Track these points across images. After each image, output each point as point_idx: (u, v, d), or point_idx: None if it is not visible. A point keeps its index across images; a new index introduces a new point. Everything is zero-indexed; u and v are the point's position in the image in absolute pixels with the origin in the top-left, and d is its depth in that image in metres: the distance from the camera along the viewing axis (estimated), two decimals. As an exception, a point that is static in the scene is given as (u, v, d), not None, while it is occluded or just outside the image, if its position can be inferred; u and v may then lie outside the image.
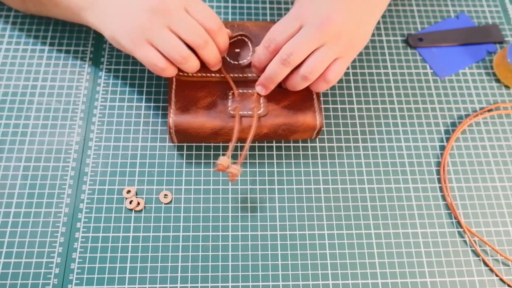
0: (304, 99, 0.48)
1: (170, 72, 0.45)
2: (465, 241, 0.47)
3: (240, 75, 0.48)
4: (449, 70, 0.57)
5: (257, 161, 0.50)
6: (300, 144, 0.51)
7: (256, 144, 0.50)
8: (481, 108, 0.54)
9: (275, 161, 0.50)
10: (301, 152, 0.50)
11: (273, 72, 0.45)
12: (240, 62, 0.49)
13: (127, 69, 0.54)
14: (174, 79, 0.48)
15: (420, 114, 0.54)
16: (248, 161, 0.50)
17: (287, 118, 0.47)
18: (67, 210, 0.46)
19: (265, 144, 0.51)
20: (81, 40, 0.55)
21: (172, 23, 0.43)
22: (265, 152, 0.50)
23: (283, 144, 0.51)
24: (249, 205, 0.48)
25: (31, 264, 0.44)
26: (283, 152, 0.50)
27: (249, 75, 0.48)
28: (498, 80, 0.56)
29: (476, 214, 0.49)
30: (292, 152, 0.50)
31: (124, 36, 0.44)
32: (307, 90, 0.48)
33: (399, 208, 0.48)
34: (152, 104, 0.52)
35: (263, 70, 0.47)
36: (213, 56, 0.46)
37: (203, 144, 0.50)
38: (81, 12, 0.47)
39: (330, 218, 0.47)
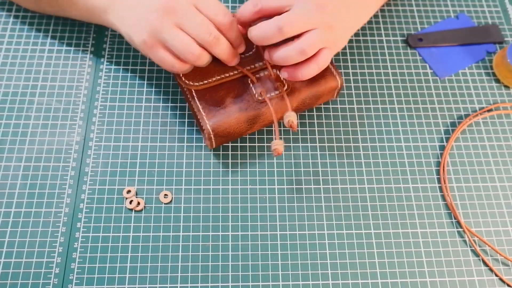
0: None
1: (186, 69, 0.45)
2: (465, 241, 0.47)
3: (251, 66, 0.48)
4: (449, 70, 0.57)
5: (257, 161, 0.50)
6: (300, 144, 0.51)
7: (256, 144, 0.51)
8: (481, 108, 0.54)
9: (275, 161, 0.50)
10: (301, 152, 0.50)
11: (264, 34, 0.43)
12: (246, 54, 0.49)
13: (127, 69, 0.54)
14: (193, 90, 0.47)
15: (420, 114, 0.54)
16: (248, 161, 0.50)
17: (310, 87, 0.48)
18: (67, 210, 0.46)
19: (265, 144, 0.51)
20: (81, 40, 0.55)
21: (180, 21, 0.43)
22: (265, 152, 0.50)
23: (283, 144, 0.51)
24: (249, 205, 0.48)
25: (31, 264, 0.44)
26: (283, 152, 0.50)
27: (259, 63, 0.49)
28: (498, 80, 0.56)
29: (476, 214, 0.49)
30: (292, 152, 0.50)
31: (138, 39, 0.44)
32: None
33: (399, 208, 0.48)
34: (152, 104, 0.52)
35: (242, 24, 0.47)
36: (226, 53, 0.45)
37: (203, 144, 0.50)
38: (102, 14, 0.48)
39: (330, 218, 0.47)
